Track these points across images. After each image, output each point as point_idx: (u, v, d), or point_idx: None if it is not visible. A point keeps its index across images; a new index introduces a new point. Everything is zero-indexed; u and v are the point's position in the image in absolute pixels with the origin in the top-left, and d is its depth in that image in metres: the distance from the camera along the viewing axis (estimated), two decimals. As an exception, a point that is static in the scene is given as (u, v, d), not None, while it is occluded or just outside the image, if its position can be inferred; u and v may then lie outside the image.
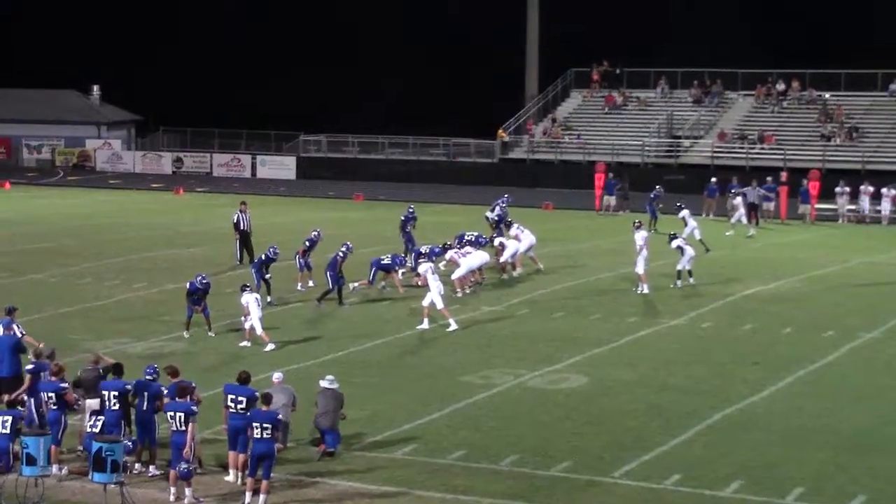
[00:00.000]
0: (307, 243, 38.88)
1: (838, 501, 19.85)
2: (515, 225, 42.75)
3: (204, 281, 31.56)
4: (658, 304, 36.70)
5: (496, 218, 45.48)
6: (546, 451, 22.23)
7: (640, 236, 38.93)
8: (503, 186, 64.80)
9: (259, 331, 30.40)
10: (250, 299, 30.60)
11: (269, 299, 35.38)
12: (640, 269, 38.40)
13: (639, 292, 38.00)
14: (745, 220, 54.22)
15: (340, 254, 36.07)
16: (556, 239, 49.37)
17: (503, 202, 48.29)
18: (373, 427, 23.48)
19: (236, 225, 43.37)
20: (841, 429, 23.87)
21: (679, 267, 39.51)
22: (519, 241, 41.42)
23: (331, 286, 35.78)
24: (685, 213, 48.35)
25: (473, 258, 38.23)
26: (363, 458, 21.88)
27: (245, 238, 43.26)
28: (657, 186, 56.90)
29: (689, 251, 39.74)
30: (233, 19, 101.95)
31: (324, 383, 22.31)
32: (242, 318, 30.86)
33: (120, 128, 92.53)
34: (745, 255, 47.50)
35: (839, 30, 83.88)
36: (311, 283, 38.04)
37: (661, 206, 54.43)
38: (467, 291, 37.86)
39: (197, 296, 31.43)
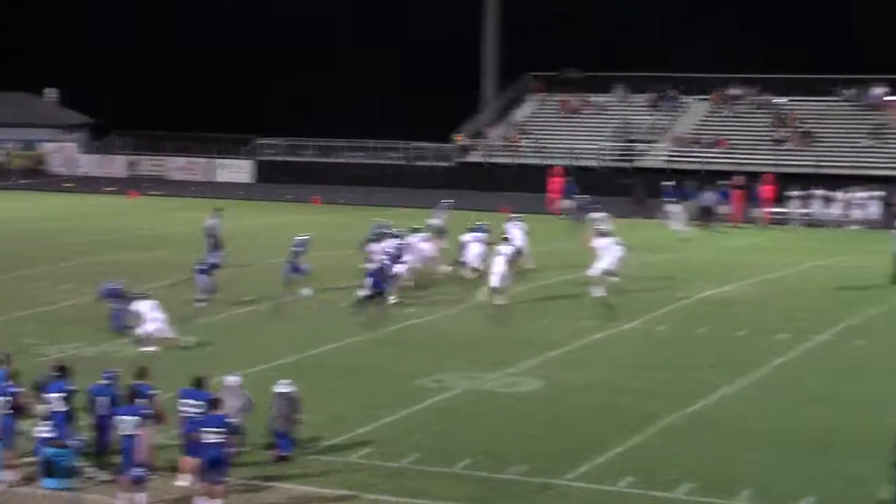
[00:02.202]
0: (297, 248, 38.38)
1: (787, 503, 20.01)
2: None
3: (113, 287, 31.54)
4: (613, 307, 36.82)
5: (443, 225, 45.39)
6: (501, 455, 22.29)
7: (600, 241, 38.92)
8: (461, 190, 64.93)
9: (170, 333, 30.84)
10: (146, 306, 30.77)
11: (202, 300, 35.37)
12: (593, 271, 38.40)
13: (594, 295, 38.11)
14: (681, 226, 54.22)
15: (390, 252, 36.97)
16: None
17: (443, 209, 48.72)
18: (328, 431, 23.47)
19: (211, 228, 43.20)
20: (793, 430, 24.04)
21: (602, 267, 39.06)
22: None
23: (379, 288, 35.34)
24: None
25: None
26: (318, 461, 21.89)
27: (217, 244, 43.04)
28: (587, 196, 57.47)
29: (615, 253, 39.03)
30: (189, 22, 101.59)
31: (278, 387, 22.32)
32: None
33: (75, 131, 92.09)
34: (699, 258, 47.76)
35: (793, 35, 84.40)
36: (304, 291, 36.99)
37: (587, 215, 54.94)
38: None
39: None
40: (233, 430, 19.93)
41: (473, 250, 40.77)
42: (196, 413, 20.62)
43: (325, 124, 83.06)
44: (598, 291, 37.70)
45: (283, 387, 22.30)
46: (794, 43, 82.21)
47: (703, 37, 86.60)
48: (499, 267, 35.83)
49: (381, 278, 35.16)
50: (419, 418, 24.81)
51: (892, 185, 64.00)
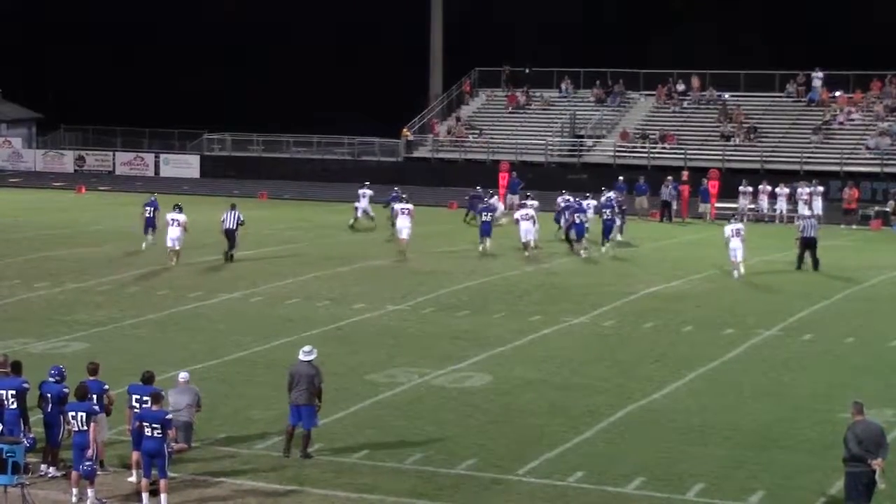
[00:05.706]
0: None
1: (738, 497, 20.14)
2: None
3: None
4: (561, 302, 36.97)
5: None
6: (450, 450, 22.33)
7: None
8: (407, 185, 64.79)
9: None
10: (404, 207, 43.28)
11: None
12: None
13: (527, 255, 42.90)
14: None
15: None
16: (460, 237, 49.52)
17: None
18: (277, 427, 23.38)
19: (224, 223, 44.26)
20: (741, 425, 24.19)
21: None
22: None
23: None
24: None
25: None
26: (268, 457, 21.84)
27: (230, 235, 44.13)
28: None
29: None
30: (136, 16, 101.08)
31: (302, 356, 22.24)
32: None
33: (20, 126, 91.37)
34: (646, 253, 47.95)
35: (737, 31, 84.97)
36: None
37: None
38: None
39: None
40: (169, 426, 19.74)
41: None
42: (145, 409, 20.52)
43: (271, 119, 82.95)
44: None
45: (305, 355, 22.25)
46: (739, 38, 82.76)
47: (650, 32, 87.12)
48: None
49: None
50: (369, 413, 24.81)
51: (836, 180, 64.59)
